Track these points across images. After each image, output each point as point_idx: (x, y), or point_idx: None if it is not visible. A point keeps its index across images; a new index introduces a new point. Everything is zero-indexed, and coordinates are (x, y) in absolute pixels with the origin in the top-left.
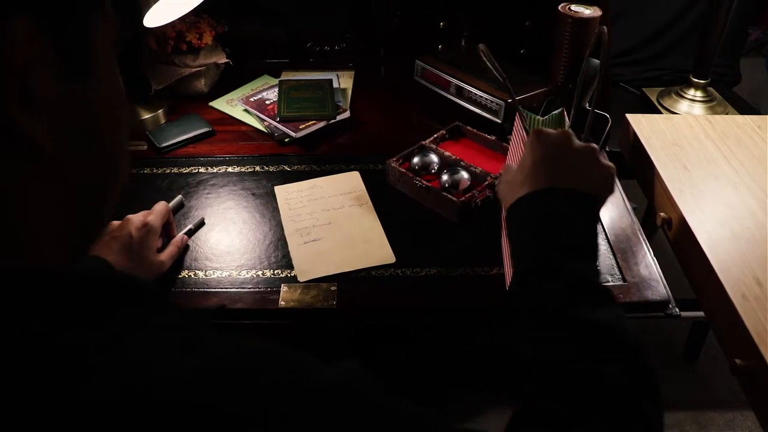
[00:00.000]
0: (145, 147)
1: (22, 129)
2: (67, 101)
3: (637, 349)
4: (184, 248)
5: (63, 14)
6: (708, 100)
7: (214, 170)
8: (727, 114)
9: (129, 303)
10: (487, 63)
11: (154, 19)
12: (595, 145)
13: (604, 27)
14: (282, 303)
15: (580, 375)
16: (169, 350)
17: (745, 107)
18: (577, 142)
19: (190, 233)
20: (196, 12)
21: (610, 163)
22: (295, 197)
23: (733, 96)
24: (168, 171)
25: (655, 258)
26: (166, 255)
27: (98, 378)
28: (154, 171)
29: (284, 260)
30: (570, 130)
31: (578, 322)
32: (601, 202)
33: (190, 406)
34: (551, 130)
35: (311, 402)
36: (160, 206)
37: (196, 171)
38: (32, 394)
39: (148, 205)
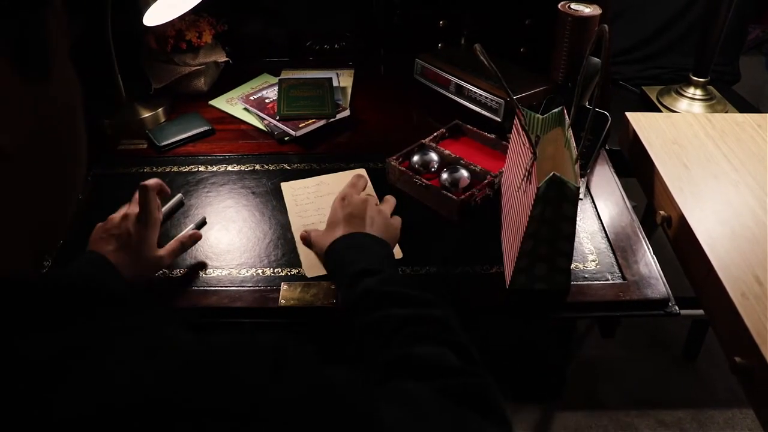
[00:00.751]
0: (145, 146)
1: None
2: (24, 101)
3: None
4: (194, 244)
5: (16, 8)
6: (708, 98)
7: (214, 169)
8: (726, 112)
9: (93, 307)
10: (484, 62)
11: (153, 17)
12: (383, 209)
13: (605, 25)
14: (282, 301)
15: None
16: (130, 356)
17: (744, 106)
18: (372, 205)
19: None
20: (195, 11)
21: (398, 219)
22: (301, 193)
23: (733, 94)
24: (168, 170)
25: (654, 256)
26: (167, 250)
27: (62, 393)
28: (154, 170)
29: (284, 259)
30: (369, 197)
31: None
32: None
33: (153, 407)
34: (355, 195)
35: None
36: (153, 184)
37: (196, 170)
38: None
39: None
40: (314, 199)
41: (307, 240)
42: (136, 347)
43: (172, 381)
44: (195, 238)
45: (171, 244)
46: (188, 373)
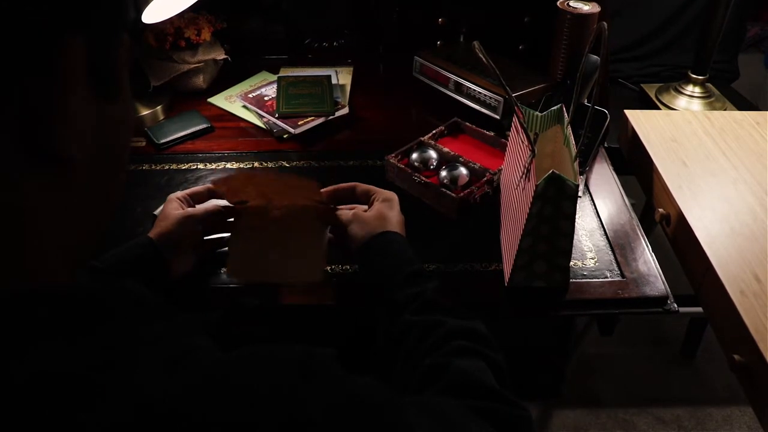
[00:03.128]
0: (144, 143)
1: (60, 145)
2: (97, 120)
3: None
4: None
5: (108, 33)
6: (706, 96)
7: (213, 166)
8: (725, 110)
9: (118, 317)
10: (482, 59)
11: (152, 15)
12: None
13: (604, 23)
14: (282, 299)
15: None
16: (155, 368)
17: (743, 103)
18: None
19: None
20: (194, 8)
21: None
22: None
23: (732, 92)
24: (167, 167)
25: (653, 254)
26: (194, 209)
27: (92, 409)
28: (153, 167)
29: None
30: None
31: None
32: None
33: (184, 419)
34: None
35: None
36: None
37: (195, 167)
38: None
39: (146, 203)
40: None
41: (339, 216)
42: (159, 359)
43: (199, 394)
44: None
45: (205, 205)
46: (214, 387)
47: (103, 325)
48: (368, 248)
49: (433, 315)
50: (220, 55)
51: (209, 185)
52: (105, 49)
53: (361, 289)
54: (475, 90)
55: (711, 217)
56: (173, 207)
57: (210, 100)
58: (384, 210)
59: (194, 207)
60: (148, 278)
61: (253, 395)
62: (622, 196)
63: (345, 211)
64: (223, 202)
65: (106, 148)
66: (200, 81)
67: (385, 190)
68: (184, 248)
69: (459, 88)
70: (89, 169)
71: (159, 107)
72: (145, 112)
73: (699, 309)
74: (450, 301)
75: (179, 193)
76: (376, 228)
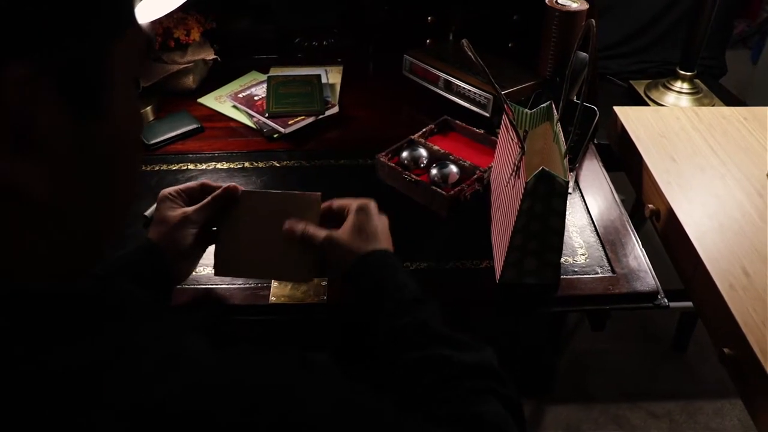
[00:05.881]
0: None
1: (12, 178)
2: (74, 143)
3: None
4: (229, 198)
5: (73, 49)
6: (695, 92)
7: (203, 167)
8: (713, 106)
9: (115, 317)
10: (471, 57)
11: (140, 15)
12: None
13: (592, 20)
14: (272, 299)
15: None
16: (156, 367)
17: (731, 99)
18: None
19: None
20: (183, 8)
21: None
22: None
23: (720, 88)
24: (157, 168)
25: (643, 249)
26: (192, 208)
27: (95, 408)
28: (143, 168)
29: None
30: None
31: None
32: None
33: (184, 419)
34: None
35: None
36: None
37: (185, 168)
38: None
39: (137, 203)
40: None
41: (311, 235)
42: (158, 358)
43: (199, 394)
44: (231, 191)
45: (202, 203)
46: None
47: (101, 325)
48: (353, 277)
49: (437, 348)
50: (210, 55)
51: (203, 181)
52: (82, 64)
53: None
54: (464, 88)
55: (700, 212)
56: (168, 207)
57: (200, 100)
58: (361, 222)
59: (187, 205)
60: (153, 282)
61: (254, 396)
62: (611, 192)
63: (317, 233)
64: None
65: (91, 172)
66: (190, 81)
67: (359, 199)
68: (187, 249)
69: (449, 86)
70: (69, 194)
71: (148, 108)
72: None
73: (689, 303)
74: (449, 327)
75: (171, 190)
76: (357, 248)
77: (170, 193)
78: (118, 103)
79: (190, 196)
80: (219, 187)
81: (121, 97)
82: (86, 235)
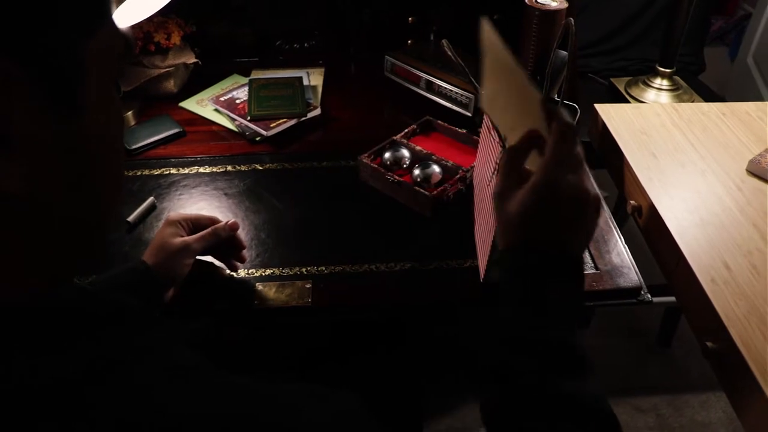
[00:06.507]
0: None
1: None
2: (53, 142)
3: (609, 421)
4: (232, 233)
5: (46, 47)
6: (674, 88)
7: (186, 171)
8: (692, 102)
9: (110, 328)
10: (451, 57)
11: (120, 20)
12: (586, 188)
13: (571, 19)
14: (257, 302)
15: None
16: (151, 380)
17: (710, 95)
18: (575, 191)
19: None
20: (163, 12)
21: (597, 195)
22: None
23: (699, 84)
24: (139, 173)
25: (626, 246)
26: (193, 237)
27: (91, 418)
28: (125, 174)
29: (258, 260)
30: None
31: (555, 393)
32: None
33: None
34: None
35: None
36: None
37: (168, 172)
38: None
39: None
40: None
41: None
42: (153, 371)
43: (195, 412)
44: (228, 228)
45: (201, 233)
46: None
47: (96, 336)
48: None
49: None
50: (191, 59)
51: (213, 217)
52: (57, 63)
53: (338, 287)
54: (446, 88)
55: (681, 207)
56: (170, 233)
57: (181, 104)
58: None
59: (191, 234)
60: (144, 303)
61: (245, 424)
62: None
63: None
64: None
65: (70, 172)
66: (171, 85)
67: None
68: (180, 277)
69: (430, 87)
70: (46, 194)
71: (130, 112)
72: None
73: (672, 298)
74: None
75: (178, 216)
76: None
77: (178, 220)
78: (96, 103)
79: (196, 226)
80: (220, 221)
81: (99, 97)
82: (68, 238)
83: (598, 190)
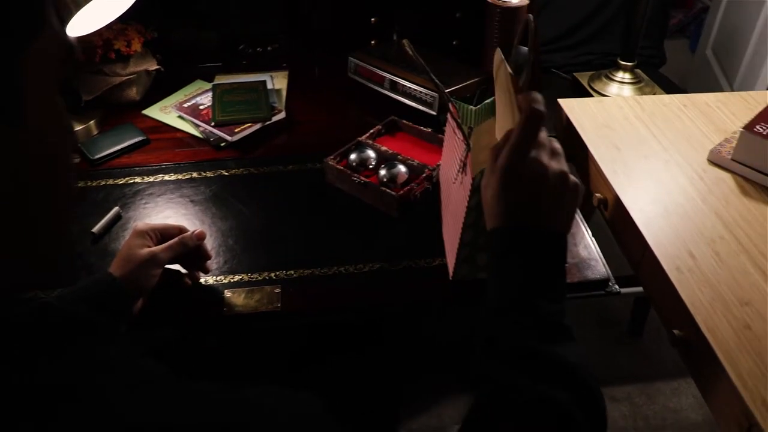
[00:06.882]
0: (78, 160)
1: None
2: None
3: (592, 389)
4: (199, 242)
5: None
6: (636, 81)
7: (151, 179)
8: (654, 94)
9: (70, 339)
10: (413, 57)
11: (78, 28)
12: (565, 171)
13: (530, 15)
14: (226, 309)
15: (535, 397)
16: (116, 393)
17: (671, 87)
18: (551, 173)
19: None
20: (123, 19)
21: (576, 181)
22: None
23: (660, 77)
24: (103, 183)
25: (593, 238)
26: (160, 247)
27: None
28: (89, 184)
29: (226, 266)
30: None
31: (539, 352)
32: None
33: None
34: (529, 162)
35: None
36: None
37: (132, 181)
38: None
39: (84, 220)
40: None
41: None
42: (118, 385)
43: (154, 414)
44: (195, 237)
45: (168, 242)
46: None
47: (58, 350)
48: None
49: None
50: (153, 66)
51: (181, 227)
52: None
53: (307, 290)
54: (410, 87)
55: (645, 198)
56: (137, 244)
57: (144, 112)
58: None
59: (159, 244)
60: (111, 316)
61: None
62: None
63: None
64: None
65: (7, 184)
66: (133, 93)
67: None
68: (147, 288)
69: (394, 87)
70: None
71: (92, 122)
72: (77, 127)
73: (640, 289)
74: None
75: (146, 226)
76: (492, 212)
77: (145, 231)
78: (36, 111)
79: (163, 236)
80: (188, 230)
81: (39, 105)
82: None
83: (566, 168)
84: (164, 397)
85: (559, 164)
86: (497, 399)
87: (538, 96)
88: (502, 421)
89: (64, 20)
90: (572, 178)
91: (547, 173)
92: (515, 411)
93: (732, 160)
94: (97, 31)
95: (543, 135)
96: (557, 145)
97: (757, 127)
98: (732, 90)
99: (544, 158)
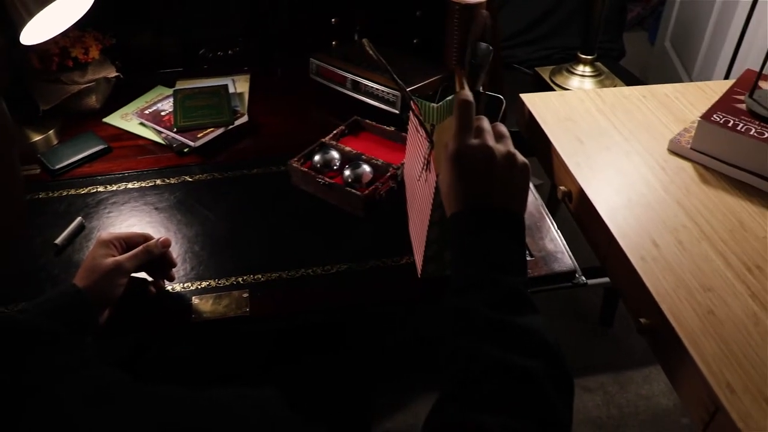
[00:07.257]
0: (38, 171)
1: None
2: None
3: (558, 355)
4: (164, 250)
5: None
6: (596, 74)
7: (114, 188)
8: (615, 87)
9: (29, 350)
10: (374, 56)
11: (31, 36)
12: (512, 152)
13: (486, 11)
14: (194, 316)
15: (501, 365)
16: (77, 402)
17: (631, 79)
18: (498, 154)
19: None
20: (79, 26)
21: (524, 160)
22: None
23: (620, 69)
24: (65, 193)
25: (559, 231)
26: (125, 256)
27: None
28: (50, 195)
29: (193, 273)
30: (492, 144)
31: (504, 322)
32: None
33: None
34: (473, 146)
35: None
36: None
37: (95, 191)
38: None
39: (46, 231)
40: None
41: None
42: (78, 394)
43: (114, 422)
44: (160, 245)
45: (134, 250)
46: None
47: (17, 361)
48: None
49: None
50: (112, 73)
51: (146, 234)
52: None
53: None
54: (372, 87)
55: (609, 190)
56: (102, 254)
57: (105, 119)
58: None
59: (124, 253)
60: (76, 327)
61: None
62: None
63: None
64: None
65: None
66: (93, 101)
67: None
68: (113, 299)
69: (356, 87)
70: None
71: (51, 131)
72: (36, 137)
73: (607, 279)
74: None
75: (110, 236)
76: (451, 199)
77: (109, 240)
78: None
79: (128, 244)
80: (153, 238)
81: None
82: None
83: (512, 149)
84: (125, 406)
85: (506, 146)
86: (469, 370)
87: (465, 90)
88: (475, 393)
89: (16, 29)
90: (520, 157)
91: (494, 154)
92: (487, 381)
93: (691, 149)
94: (52, 38)
95: (485, 122)
96: (503, 128)
97: (715, 116)
98: (691, 80)
99: (490, 141)
